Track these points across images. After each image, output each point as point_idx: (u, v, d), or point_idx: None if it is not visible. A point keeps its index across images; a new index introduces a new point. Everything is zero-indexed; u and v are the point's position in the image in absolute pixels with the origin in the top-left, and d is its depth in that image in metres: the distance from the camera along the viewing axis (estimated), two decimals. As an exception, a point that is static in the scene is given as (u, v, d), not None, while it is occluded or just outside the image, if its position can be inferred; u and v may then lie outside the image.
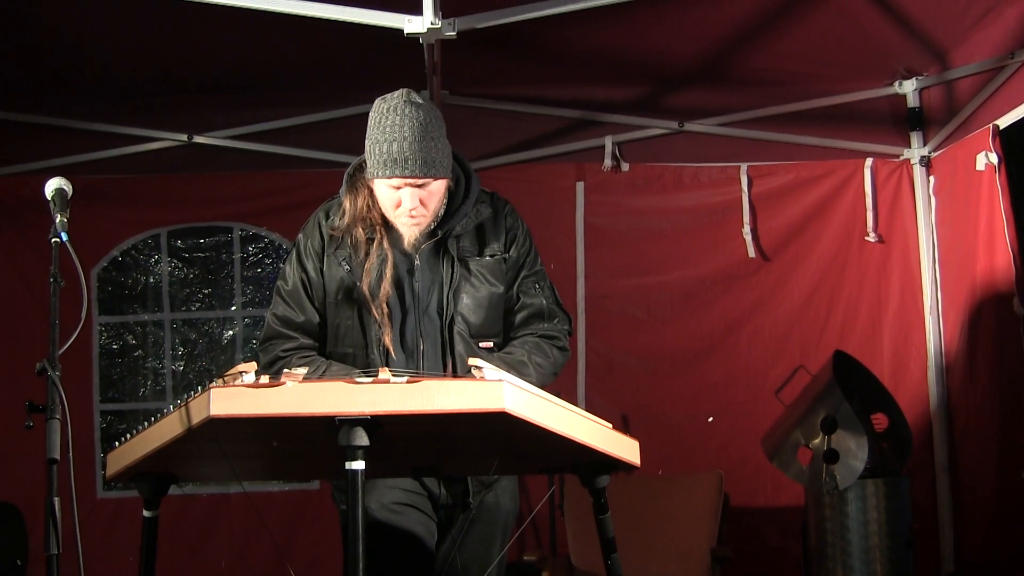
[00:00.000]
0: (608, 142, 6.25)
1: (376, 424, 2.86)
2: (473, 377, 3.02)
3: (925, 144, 6.30)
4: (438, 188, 3.48)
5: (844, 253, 6.33)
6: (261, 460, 3.37)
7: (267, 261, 6.29)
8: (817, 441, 5.09)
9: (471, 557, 3.68)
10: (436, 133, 3.43)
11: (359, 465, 2.89)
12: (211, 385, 2.82)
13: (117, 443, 3.31)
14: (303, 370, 2.90)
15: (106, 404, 6.29)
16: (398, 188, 3.43)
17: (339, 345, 3.57)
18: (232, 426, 2.84)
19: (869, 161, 6.33)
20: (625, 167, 6.27)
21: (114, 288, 6.31)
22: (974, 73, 5.72)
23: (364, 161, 3.57)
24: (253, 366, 2.89)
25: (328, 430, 2.87)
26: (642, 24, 5.15)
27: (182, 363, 6.30)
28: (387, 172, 3.40)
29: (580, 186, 6.30)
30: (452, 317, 3.56)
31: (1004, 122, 5.56)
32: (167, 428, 3.00)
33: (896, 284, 6.31)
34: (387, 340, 3.51)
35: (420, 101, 3.45)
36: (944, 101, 6.08)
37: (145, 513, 3.41)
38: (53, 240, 3.30)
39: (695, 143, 6.36)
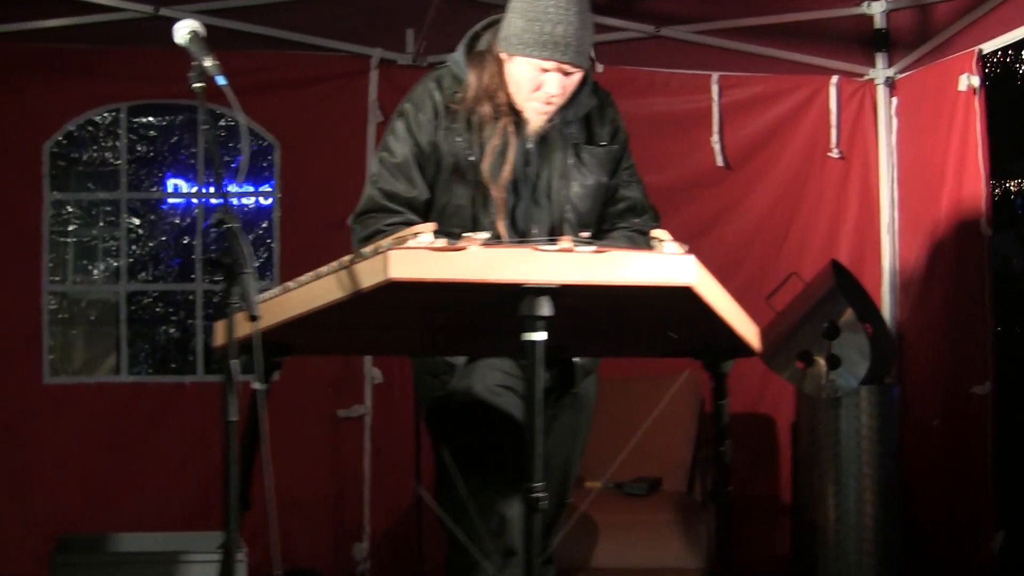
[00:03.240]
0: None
1: (559, 294, 2.78)
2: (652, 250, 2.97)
3: (890, 66, 6.41)
4: (578, 78, 3.40)
5: (807, 168, 6.43)
6: (407, 331, 3.24)
7: (231, 144, 6.02)
8: (817, 347, 5.18)
9: (558, 444, 3.63)
10: (590, 21, 3.34)
11: (541, 336, 2.81)
12: (386, 248, 2.68)
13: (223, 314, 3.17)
14: (485, 234, 2.77)
15: (55, 286, 5.93)
16: (545, 72, 3.31)
17: (445, 225, 3.40)
18: (404, 292, 2.71)
19: (835, 79, 6.42)
20: (600, 68, 6.17)
21: (68, 164, 5.94)
22: (951, -1, 5.83)
23: (487, 34, 3.46)
24: (431, 227, 2.75)
25: (506, 299, 2.78)
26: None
27: (136, 246, 6.00)
28: (544, 54, 3.28)
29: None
30: (563, 205, 3.48)
31: (987, 47, 5.71)
32: (317, 294, 2.85)
33: (854, 201, 6.45)
34: (500, 225, 3.41)
35: None
36: (913, 24, 6.19)
37: (255, 385, 3.24)
38: (196, 86, 3.00)
39: (669, 50, 6.32)
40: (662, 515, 5.24)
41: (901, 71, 6.37)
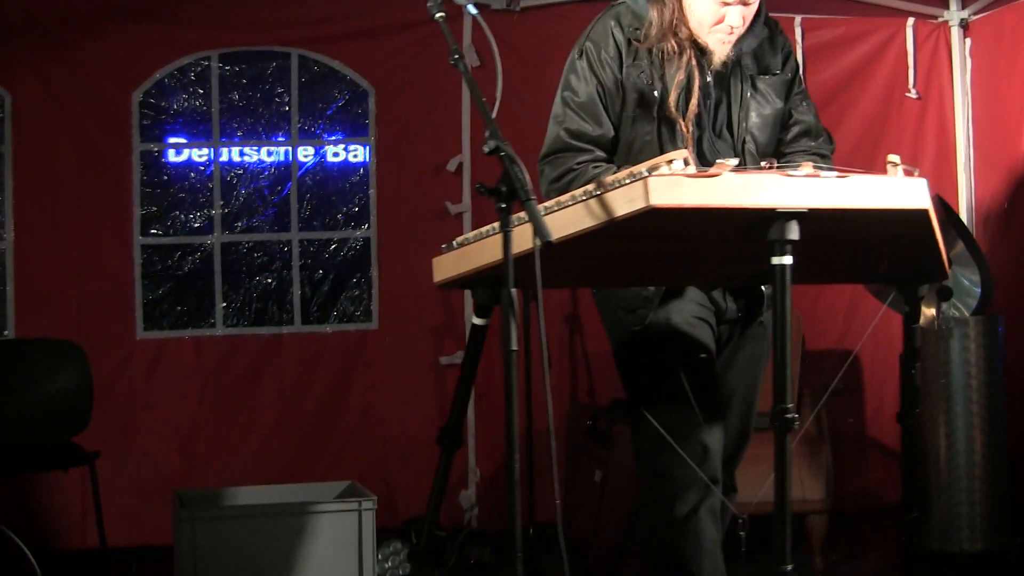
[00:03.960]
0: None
1: (807, 219, 2.82)
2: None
3: (964, 7, 6.48)
4: (756, 6, 3.42)
5: (885, 108, 6.51)
6: (630, 263, 3.25)
7: (330, 91, 6.00)
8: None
9: (740, 373, 3.70)
10: None
11: (788, 260, 2.86)
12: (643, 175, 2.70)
13: (448, 245, 3.20)
14: (734, 160, 2.81)
15: (146, 238, 5.91)
16: (727, 4, 3.34)
17: (632, 161, 3.43)
18: (658, 219, 2.73)
19: (911, 21, 6.50)
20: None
21: (157, 114, 5.90)
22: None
23: None
24: (684, 153, 2.77)
25: (755, 225, 2.82)
26: None
27: (228, 198, 5.98)
28: None
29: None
30: (743, 136, 3.52)
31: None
32: (562, 223, 2.85)
33: (931, 140, 6.54)
34: (690, 157, 3.44)
35: None
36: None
37: (476, 321, 3.28)
38: (438, 16, 2.99)
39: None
40: (793, 447, 5.30)
41: (975, 13, 6.43)
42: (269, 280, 5.94)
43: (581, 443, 5.70)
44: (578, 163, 3.44)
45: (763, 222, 2.82)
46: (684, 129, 3.44)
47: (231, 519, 4.60)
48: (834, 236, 3.06)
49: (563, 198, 2.89)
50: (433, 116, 6.11)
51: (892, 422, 6.11)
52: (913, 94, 6.50)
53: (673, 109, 3.43)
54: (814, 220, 2.83)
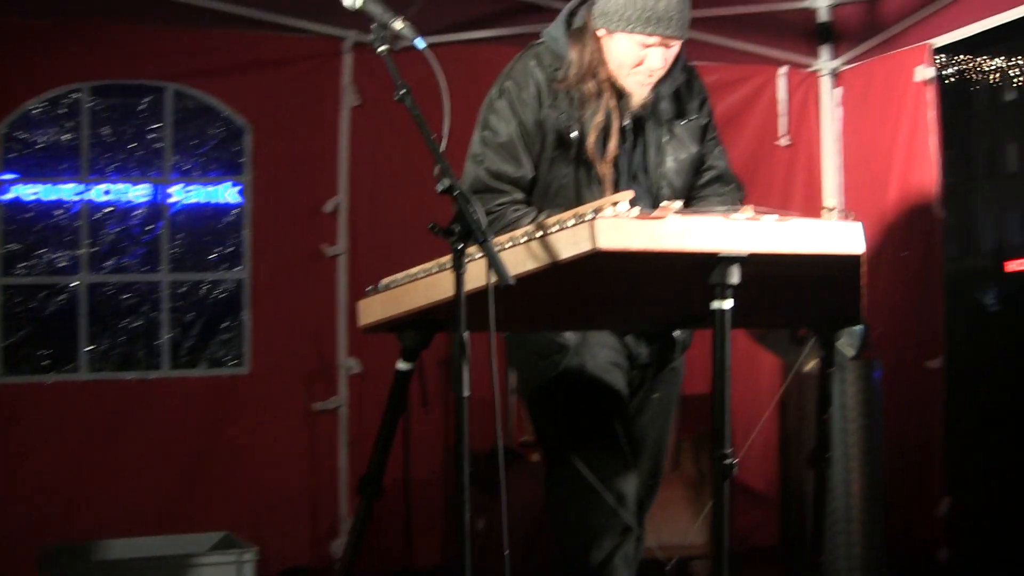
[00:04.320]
0: (552, 30, 6.17)
1: (746, 263, 2.81)
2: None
3: (835, 58, 6.62)
4: (677, 49, 3.41)
5: (757, 156, 6.59)
6: (558, 306, 3.18)
7: (205, 128, 5.83)
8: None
9: (652, 418, 3.68)
10: None
11: (729, 304, 2.84)
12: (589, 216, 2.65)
13: (373, 288, 3.11)
14: (678, 203, 2.78)
15: (8, 278, 5.64)
16: (647, 47, 3.32)
17: (548, 204, 3.41)
18: (601, 261, 2.68)
19: (783, 69, 6.63)
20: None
21: (23, 147, 5.65)
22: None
23: (581, 10, 3.45)
24: (629, 195, 2.73)
25: (697, 268, 2.80)
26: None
27: (96, 236, 5.75)
28: (648, 29, 3.27)
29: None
30: (659, 180, 3.51)
31: (939, 41, 5.99)
32: (510, 262, 2.75)
33: (800, 188, 6.66)
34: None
35: None
36: (860, 18, 6.40)
37: (400, 366, 3.18)
38: (381, 50, 2.94)
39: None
40: (677, 492, 5.31)
41: (847, 63, 6.59)
42: (137, 323, 5.72)
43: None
44: (498, 204, 3.38)
45: (704, 266, 2.80)
46: (602, 171, 3.41)
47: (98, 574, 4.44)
48: (768, 280, 3.05)
49: (502, 239, 2.81)
50: (311, 156, 5.98)
51: (759, 464, 6.24)
52: (784, 141, 6.62)
53: (592, 151, 3.39)
54: (753, 264, 2.82)
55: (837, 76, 6.65)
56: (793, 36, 6.57)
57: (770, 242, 2.84)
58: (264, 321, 5.91)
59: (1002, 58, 25.03)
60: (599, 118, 3.39)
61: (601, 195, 3.39)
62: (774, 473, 6.27)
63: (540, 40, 3.52)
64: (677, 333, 3.59)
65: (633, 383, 3.59)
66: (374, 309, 3.09)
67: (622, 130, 3.44)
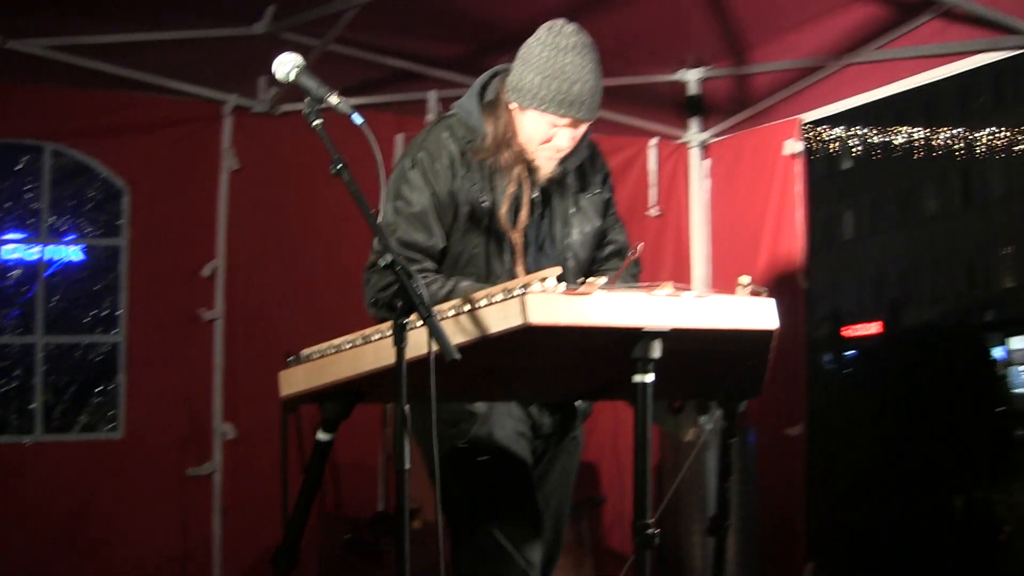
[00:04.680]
0: (432, 97, 6.24)
1: (668, 338, 2.89)
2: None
3: (704, 130, 6.83)
4: (585, 129, 3.49)
5: (627, 226, 6.63)
6: (497, 378, 3.20)
7: (84, 189, 5.72)
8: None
9: (554, 487, 3.72)
10: (601, 75, 3.42)
11: (650, 378, 2.91)
12: (519, 292, 2.70)
13: (295, 358, 3.09)
14: (603, 279, 2.85)
15: None
16: (557, 126, 3.39)
17: (459, 273, 3.44)
18: (533, 336, 2.72)
19: (654, 140, 6.80)
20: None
21: None
22: (772, 71, 6.25)
23: (493, 83, 3.51)
24: (557, 271, 2.78)
25: (620, 343, 2.86)
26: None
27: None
28: (560, 111, 3.33)
29: (399, 138, 6.21)
30: (565, 252, 3.58)
31: (809, 116, 6.24)
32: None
33: (669, 258, 6.82)
34: (519, 270, 3.46)
35: (590, 39, 3.43)
36: (729, 92, 6.62)
37: (321, 436, 3.16)
38: (316, 124, 2.86)
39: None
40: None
41: (716, 135, 6.79)
42: (11, 385, 5.56)
43: (341, 557, 5.56)
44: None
45: (626, 340, 2.86)
46: (513, 241, 3.46)
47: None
48: (683, 354, 3.13)
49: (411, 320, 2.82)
50: (189, 219, 5.92)
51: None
52: (654, 212, 6.78)
53: (504, 221, 3.44)
54: (674, 339, 2.89)
55: (706, 148, 6.85)
56: (664, 108, 6.76)
57: (690, 318, 2.92)
58: (139, 385, 5.81)
59: (841, 128, 25.99)
60: (511, 189, 3.45)
61: (511, 264, 3.44)
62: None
63: (452, 112, 3.56)
64: (579, 403, 3.65)
65: (536, 452, 3.62)
66: (297, 379, 3.07)
67: (532, 201, 3.50)
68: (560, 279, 2.74)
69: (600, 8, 5.43)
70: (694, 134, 6.85)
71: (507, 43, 5.80)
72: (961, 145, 25.55)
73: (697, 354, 3.17)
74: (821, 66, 5.98)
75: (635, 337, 2.86)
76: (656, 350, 2.88)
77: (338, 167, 2.77)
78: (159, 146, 5.86)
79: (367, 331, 2.93)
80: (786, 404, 6.17)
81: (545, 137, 3.40)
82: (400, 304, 2.62)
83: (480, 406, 3.46)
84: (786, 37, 5.96)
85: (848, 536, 7.21)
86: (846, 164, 41.42)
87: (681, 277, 6.76)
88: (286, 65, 2.93)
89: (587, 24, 4.95)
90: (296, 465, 5.53)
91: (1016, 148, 25.59)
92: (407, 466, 2.63)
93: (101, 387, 5.75)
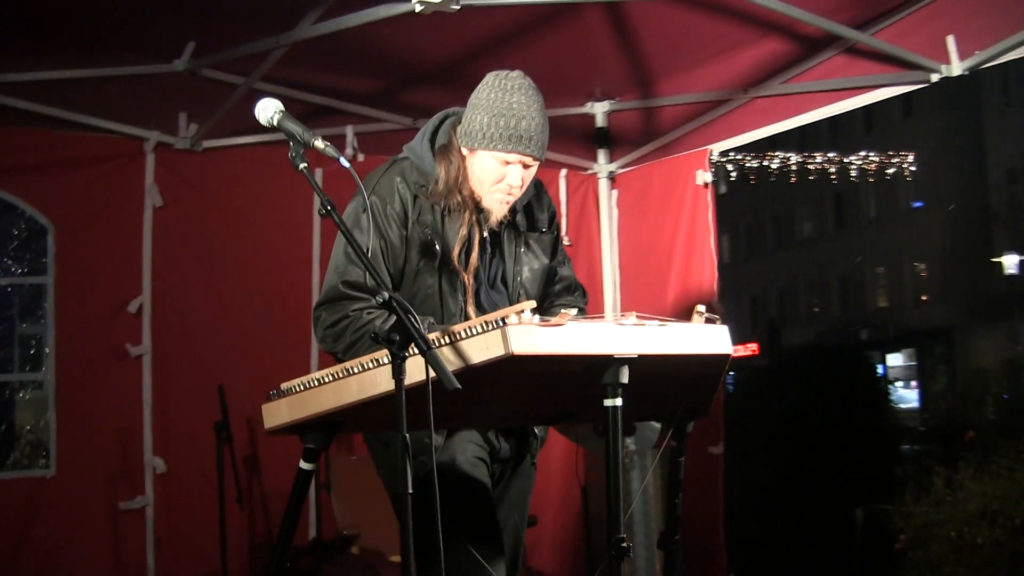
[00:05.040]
0: (349, 131, 6.34)
1: (635, 364, 3.06)
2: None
3: (612, 161, 7.04)
4: (535, 169, 3.63)
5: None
6: (481, 405, 3.32)
7: (8, 227, 5.71)
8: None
9: (511, 509, 3.85)
10: (546, 115, 3.58)
11: (619, 402, 3.07)
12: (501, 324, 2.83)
13: (277, 392, 3.18)
14: (573, 311, 3.01)
15: None
16: (508, 164, 3.51)
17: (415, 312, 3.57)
18: (514, 365, 2.85)
19: (564, 171, 6.99)
20: (361, 158, 6.39)
21: None
22: (679, 104, 6.47)
23: (444, 127, 3.64)
24: (531, 304, 2.93)
25: (591, 369, 3.02)
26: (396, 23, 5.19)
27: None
28: (510, 147, 3.47)
29: (320, 172, 6.29)
30: (516, 289, 3.72)
31: (719, 147, 6.49)
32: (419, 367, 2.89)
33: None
34: (471, 309, 3.59)
35: (534, 84, 3.57)
36: (637, 124, 6.84)
37: (304, 466, 3.24)
38: (302, 167, 2.93)
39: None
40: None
41: (624, 166, 7.00)
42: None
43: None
44: (353, 310, 3.46)
45: (598, 367, 3.02)
46: (466, 281, 3.59)
47: None
48: (647, 378, 3.30)
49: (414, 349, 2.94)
50: (114, 256, 5.96)
51: (560, 549, 6.46)
52: (564, 241, 6.92)
53: (456, 262, 3.56)
54: (640, 365, 3.06)
55: (614, 179, 7.06)
56: (573, 140, 6.93)
57: (654, 344, 3.09)
58: (69, 421, 5.81)
59: (717, 155, 26.51)
60: (463, 231, 3.57)
61: (464, 303, 3.57)
62: (579, 557, 6.49)
63: (403, 156, 3.67)
64: (536, 428, 3.79)
65: (494, 476, 3.75)
66: (280, 412, 3.16)
67: (482, 242, 3.63)
68: (482, 312, 2.88)
69: (511, 43, 5.60)
70: (602, 165, 7.05)
71: (423, 79, 6.06)
72: (834, 170, 26.30)
73: (658, 378, 3.34)
74: (728, 99, 6.23)
75: (606, 364, 3.02)
76: (625, 375, 3.04)
77: (327, 208, 2.87)
78: (83, 183, 5.88)
79: (348, 364, 3.04)
80: (707, 424, 6.38)
81: (497, 178, 3.53)
82: (398, 338, 2.74)
83: (437, 439, 3.56)
84: (693, 72, 6.18)
85: (766, 549, 7.45)
86: (721, 189, 42.37)
87: (592, 307, 6.93)
88: (268, 110, 3.03)
89: (499, 58, 5.19)
90: (231, 493, 5.65)
91: (887, 172, 26.46)
92: (409, 490, 2.75)
93: (32, 424, 5.70)
